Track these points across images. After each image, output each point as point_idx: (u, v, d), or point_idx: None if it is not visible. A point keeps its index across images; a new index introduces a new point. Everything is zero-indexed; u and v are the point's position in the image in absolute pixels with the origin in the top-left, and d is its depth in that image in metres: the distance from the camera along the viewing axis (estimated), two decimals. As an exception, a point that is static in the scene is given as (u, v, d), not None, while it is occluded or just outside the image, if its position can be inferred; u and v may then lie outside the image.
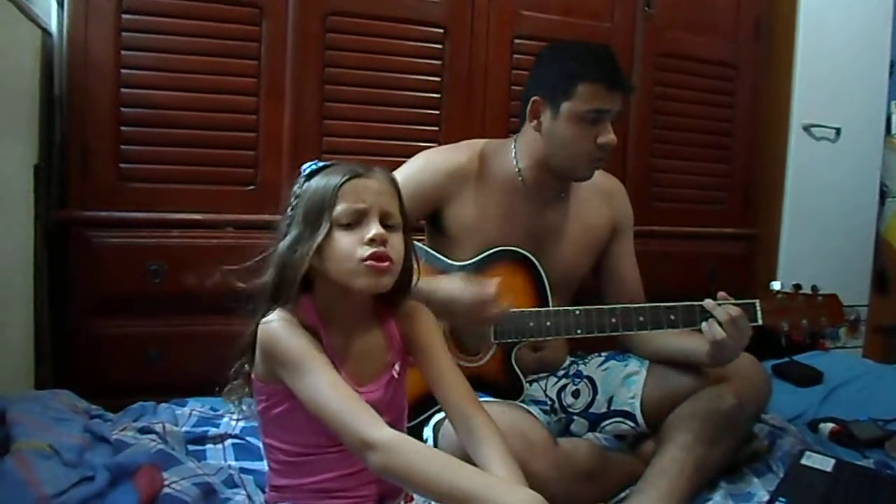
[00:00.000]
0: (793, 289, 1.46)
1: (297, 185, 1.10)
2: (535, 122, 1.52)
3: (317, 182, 1.07)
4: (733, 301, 1.41)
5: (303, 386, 1.01)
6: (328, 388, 1.00)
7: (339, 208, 1.04)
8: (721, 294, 1.41)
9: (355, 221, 1.04)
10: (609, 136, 1.48)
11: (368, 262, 1.03)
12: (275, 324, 1.05)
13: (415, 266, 1.14)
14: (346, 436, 0.97)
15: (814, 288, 1.47)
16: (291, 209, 1.09)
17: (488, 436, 1.07)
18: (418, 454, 0.96)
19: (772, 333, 1.41)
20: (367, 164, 1.11)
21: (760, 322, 1.43)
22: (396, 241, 1.07)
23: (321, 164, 1.11)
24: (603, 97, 1.46)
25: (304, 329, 1.05)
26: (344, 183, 1.05)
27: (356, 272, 1.04)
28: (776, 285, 1.46)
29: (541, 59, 1.58)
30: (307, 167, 1.11)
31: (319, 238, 1.03)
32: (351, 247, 1.03)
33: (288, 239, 1.06)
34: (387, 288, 1.07)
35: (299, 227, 1.06)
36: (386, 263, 1.04)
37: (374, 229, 1.04)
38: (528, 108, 1.52)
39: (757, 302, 1.42)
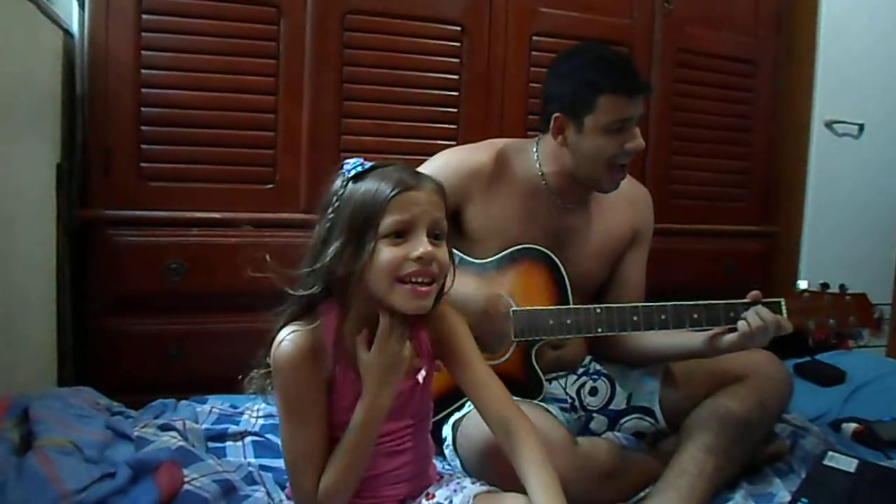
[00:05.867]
0: (819, 288, 1.43)
1: (339, 185, 1.05)
2: (559, 137, 1.50)
3: (365, 189, 1.02)
4: (762, 300, 1.39)
5: (281, 426, 1.09)
6: (292, 443, 1.06)
7: (388, 221, 1.00)
8: (753, 294, 1.40)
9: (403, 234, 1.01)
10: (637, 141, 1.47)
11: (411, 287, 1.01)
12: (284, 352, 1.04)
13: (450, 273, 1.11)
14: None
15: (842, 287, 1.44)
16: (332, 211, 1.04)
17: (527, 441, 1.07)
18: None
19: (798, 333, 1.39)
20: (412, 170, 1.07)
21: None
22: (442, 254, 1.03)
23: (366, 164, 1.05)
24: (625, 106, 1.44)
25: (315, 351, 1.04)
26: (395, 195, 1.00)
27: (397, 292, 1.01)
28: (802, 284, 1.43)
29: (556, 71, 1.54)
30: (351, 167, 1.05)
31: (366, 256, 1.00)
32: (396, 262, 1.00)
33: (333, 249, 1.02)
34: (427, 309, 1.05)
35: (344, 235, 1.02)
36: (428, 287, 1.02)
37: (422, 247, 1.00)
38: (552, 124, 1.50)
39: (782, 301, 1.40)
